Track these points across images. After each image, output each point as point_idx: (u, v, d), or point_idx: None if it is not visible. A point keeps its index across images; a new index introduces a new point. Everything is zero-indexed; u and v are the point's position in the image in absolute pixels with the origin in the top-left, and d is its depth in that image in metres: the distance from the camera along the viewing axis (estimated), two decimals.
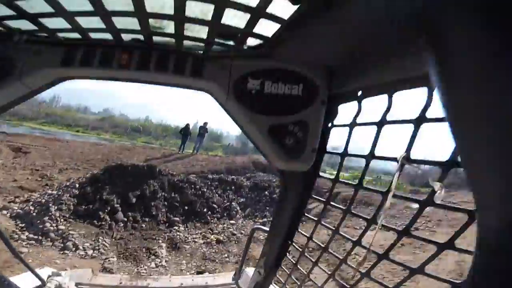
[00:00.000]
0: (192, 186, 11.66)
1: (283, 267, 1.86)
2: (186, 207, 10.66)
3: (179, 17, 1.04)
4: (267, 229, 2.06)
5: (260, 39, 1.22)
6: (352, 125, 1.22)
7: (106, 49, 1.31)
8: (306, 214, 1.64)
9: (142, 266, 7.13)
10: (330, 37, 1.07)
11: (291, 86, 1.36)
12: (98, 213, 8.74)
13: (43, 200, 8.89)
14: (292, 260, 1.75)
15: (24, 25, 1.15)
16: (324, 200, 1.47)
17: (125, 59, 1.29)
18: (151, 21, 1.08)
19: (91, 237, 7.81)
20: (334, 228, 1.39)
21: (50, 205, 8.48)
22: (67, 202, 8.71)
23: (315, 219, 1.53)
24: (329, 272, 1.47)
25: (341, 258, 1.38)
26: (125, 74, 1.33)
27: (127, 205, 9.61)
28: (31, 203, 8.83)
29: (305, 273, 1.63)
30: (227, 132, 43.76)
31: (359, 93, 1.20)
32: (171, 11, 1.02)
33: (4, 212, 8.00)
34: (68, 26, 1.10)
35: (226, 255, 8.16)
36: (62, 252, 6.93)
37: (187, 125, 20.93)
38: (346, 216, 1.32)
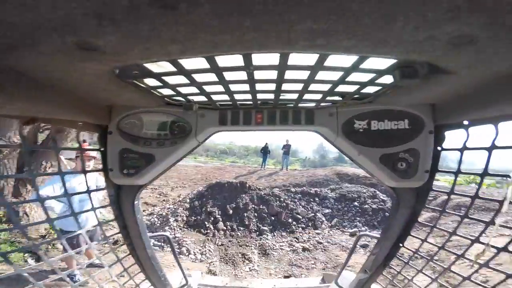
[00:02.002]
0: (277, 198, 12.22)
1: (391, 266, 1.95)
2: (273, 218, 11.23)
3: (305, 87, 1.26)
4: (374, 234, 2.21)
5: (364, 95, 1.46)
6: (462, 149, 1.38)
7: (246, 111, 1.66)
8: (419, 221, 1.74)
9: (238, 269, 7.91)
10: (429, 89, 1.22)
11: (397, 122, 1.53)
12: (204, 223, 10.30)
13: (163, 213, 11.05)
14: (403, 260, 1.84)
15: (192, 94, 1.46)
16: (440, 209, 1.62)
17: (259, 118, 1.65)
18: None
19: (199, 243, 9.11)
20: (451, 231, 1.50)
21: (169, 217, 10.50)
22: (181, 214, 10.63)
23: (430, 225, 1.65)
24: (433, 277, 1.61)
25: (457, 255, 1.47)
26: (260, 127, 1.67)
27: (226, 216, 10.93)
28: (154, 215, 11.11)
29: (412, 275, 1.73)
30: (301, 148, 43.75)
31: (465, 122, 1.32)
32: (298, 84, 1.24)
33: None
34: (222, 90, 1.32)
35: (312, 261, 8.26)
36: (179, 256, 8.05)
37: (266, 144, 22.82)
38: (462, 222, 1.44)
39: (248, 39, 0.75)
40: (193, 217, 10.66)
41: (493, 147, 1.22)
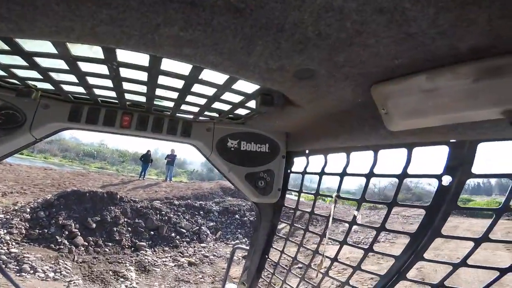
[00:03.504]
0: (157, 212, 11.23)
1: (263, 277, 2.12)
2: (152, 232, 10.16)
3: (181, 97, 1.25)
4: (247, 247, 2.35)
5: (237, 116, 1.60)
6: (303, 173, 1.71)
7: (110, 110, 1.46)
8: (277, 234, 2.01)
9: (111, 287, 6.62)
10: (283, 119, 1.46)
11: (260, 145, 1.74)
12: (55, 237, 8.03)
13: None
14: (269, 270, 2.04)
15: (34, 80, 1.22)
16: (289, 223, 1.90)
17: (126, 121, 1.48)
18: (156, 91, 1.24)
19: (49, 260, 7.13)
20: (298, 243, 1.79)
21: None
22: (17, 226, 7.81)
23: (284, 237, 1.90)
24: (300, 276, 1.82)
25: (306, 265, 1.74)
26: (125, 132, 1.52)
27: (87, 230, 8.90)
28: None
29: (281, 280, 1.91)
30: (190, 159, 42.65)
31: (306, 151, 1.66)
32: (174, 93, 1.21)
33: None
34: (76, 81, 1.16)
35: (200, 276, 7.90)
36: (18, 274, 6.17)
37: (148, 151, 20.27)
38: (305, 234, 1.73)
39: (102, 32, 0.71)
40: (36, 230, 8.19)
41: (322, 173, 1.55)
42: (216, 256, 9.35)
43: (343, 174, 1.40)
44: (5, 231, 7.53)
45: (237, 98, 1.25)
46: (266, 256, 2.01)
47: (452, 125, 0.84)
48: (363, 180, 1.32)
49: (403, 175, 1.14)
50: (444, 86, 0.74)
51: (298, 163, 1.79)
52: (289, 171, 1.80)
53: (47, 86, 1.25)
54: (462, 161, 0.96)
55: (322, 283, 1.62)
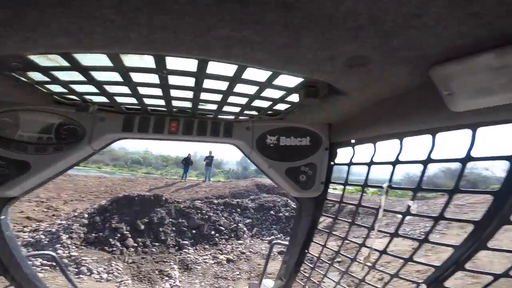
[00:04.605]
0: (198, 211, 11.74)
1: (302, 272, 2.07)
2: (194, 231, 10.67)
3: (224, 98, 1.27)
4: (285, 242, 2.31)
5: (276, 112, 1.60)
6: (349, 164, 1.61)
7: (158, 118, 1.53)
8: (318, 228, 1.94)
9: (157, 287, 7.15)
10: (326, 110, 1.42)
11: (301, 139, 1.71)
12: (108, 240, 8.86)
13: (53, 229, 8.96)
14: (310, 265, 1.98)
15: (90, 94, 1.30)
16: (333, 217, 1.81)
17: (174, 127, 1.54)
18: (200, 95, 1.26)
19: (103, 262, 7.86)
20: (342, 236, 1.72)
21: (61, 233, 8.58)
22: (77, 231, 8.82)
23: (326, 231, 1.84)
24: (343, 270, 1.73)
25: (351, 258, 1.64)
26: (173, 137, 1.60)
27: (136, 232, 9.67)
28: (40, 232, 8.89)
29: (323, 274, 1.85)
30: (226, 159, 43.94)
31: (352, 141, 1.60)
32: (217, 95, 1.22)
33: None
34: (129, 92, 1.21)
35: (237, 272, 8.15)
36: (77, 276, 6.94)
37: (189, 155, 21.52)
38: (350, 228, 1.65)
39: (157, 39, 0.70)
40: (93, 234, 9.11)
41: (371, 163, 1.44)
42: (252, 252, 9.53)
43: (395, 162, 1.30)
44: (67, 236, 8.57)
45: (277, 94, 1.24)
46: (306, 251, 1.98)
47: None
48: (411, 167, 1.22)
49: (467, 158, 1.04)
50: None
51: (342, 154, 1.72)
52: (332, 163, 1.74)
53: (102, 99, 1.34)
54: None
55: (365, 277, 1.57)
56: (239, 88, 1.14)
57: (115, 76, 1.02)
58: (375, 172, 1.49)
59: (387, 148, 1.43)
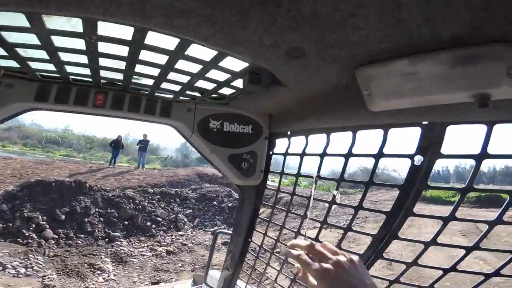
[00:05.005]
0: (131, 200, 10.91)
1: (247, 262, 2.12)
2: (126, 222, 9.88)
3: (162, 74, 1.18)
4: (229, 232, 2.34)
5: (221, 96, 1.58)
6: (285, 154, 1.72)
7: (82, 89, 1.36)
8: (259, 217, 2.01)
9: (89, 281, 6.46)
10: (268, 99, 1.50)
11: (243, 126, 1.71)
12: (21, 231, 7.57)
13: None
14: (254, 254, 2.04)
15: None
16: (271, 205, 1.92)
17: (100, 100, 1.38)
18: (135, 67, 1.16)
19: (18, 255, 6.75)
20: (280, 225, 1.80)
21: None
22: None
23: (267, 219, 1.91)
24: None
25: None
26: (99, 112, 1.41)
27: (56, 222, 8.44)
28: None
29: (265, 263, 1.92)
30: (164, 145, 41.30)
31: (288, 133, 1.71)
32: (154, 69, 1.14)
33: None
34: (46, 57, 1.06)
35: (179, 264, 7.90)
36: None
37: (119, 137, 19.10)
38: (287, 216, 1.76)
39: (88, 1, 0.65)
40: (0, 224, 7.63)
41: (303, 154, 1.58)
42: (194, 244, 9.36)
43: (323, 155, 1.44)
44: None
45: (222, 77, 1.20)
46: (249, 239, 2.02)
47: (426, 107, 0.91)
48: (335, 164, 1.36)
49: (379, 154, 1.20)
50: (423, 71, 0.81)
51: (280, 145, 1.80)
52: (271, 152, 1.81)
53: (12, 63, 1.12)
54: (433, 142, 1.04)
55: None
56: (181, 64, 1.08)
57: (32, 39, 0.89)
58: (309, 166, 1.62)
59: (320, 141, 1.52)
